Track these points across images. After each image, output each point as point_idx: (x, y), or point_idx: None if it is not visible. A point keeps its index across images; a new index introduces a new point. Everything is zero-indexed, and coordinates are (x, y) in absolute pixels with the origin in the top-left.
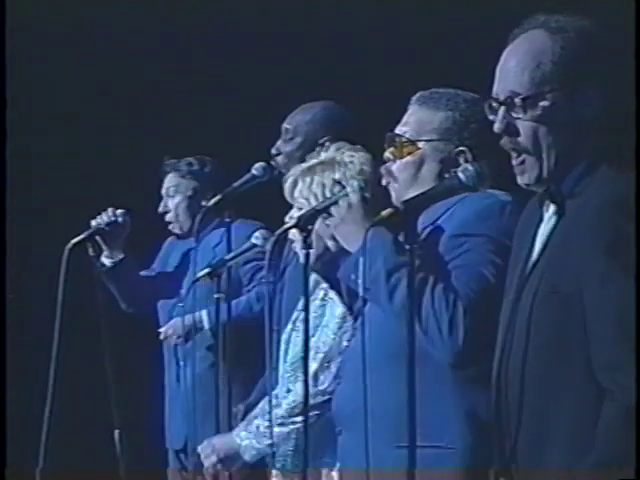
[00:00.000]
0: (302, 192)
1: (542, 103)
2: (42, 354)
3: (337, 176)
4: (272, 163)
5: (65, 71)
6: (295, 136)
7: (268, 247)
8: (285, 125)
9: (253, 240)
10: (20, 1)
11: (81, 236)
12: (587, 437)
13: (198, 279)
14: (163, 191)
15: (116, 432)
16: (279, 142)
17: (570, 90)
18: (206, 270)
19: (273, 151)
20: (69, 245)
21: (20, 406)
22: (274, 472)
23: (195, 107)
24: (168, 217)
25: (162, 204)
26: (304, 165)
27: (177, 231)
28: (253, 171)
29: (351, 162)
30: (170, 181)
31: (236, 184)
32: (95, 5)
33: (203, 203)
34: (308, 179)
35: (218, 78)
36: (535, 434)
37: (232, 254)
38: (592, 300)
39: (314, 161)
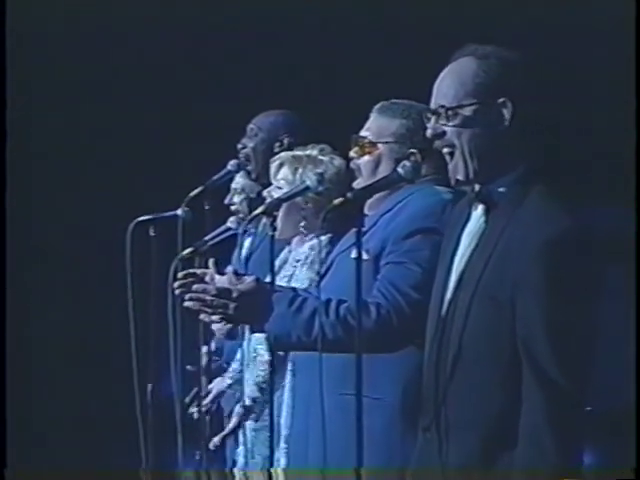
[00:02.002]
0: (286, 176)
1: (462, 114)
2: (42, 353)
3: (318, 170)
4: (239, 156)
5: (65, 71)
6: (259, 133)
7: (240, 230)
8: (250, 125)
9: (228, 224)
10: (20, 1)
11: (144, 217)
12: (504, 427)
13: (182, 257)
14: (232, 185)
15: (149, 386)
16: (244, 139)
17: (486, 104)
18: (190, 249)
19: (239, 146)
20: (132, 223)
21: (20, 406)
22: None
23: (193, 108)
24: (233, 208)
25: (229, 197)
26: (291, 153)
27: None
28: (228, 167)
29: (331, 162)
30: (239, 180)
31: (215, 177)
32: (95, 5)
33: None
34: (293, 166)
35: (205, 87)
36: (457, 418)
37: (211, 235)
38: (523, 306)
39: (300, 153)
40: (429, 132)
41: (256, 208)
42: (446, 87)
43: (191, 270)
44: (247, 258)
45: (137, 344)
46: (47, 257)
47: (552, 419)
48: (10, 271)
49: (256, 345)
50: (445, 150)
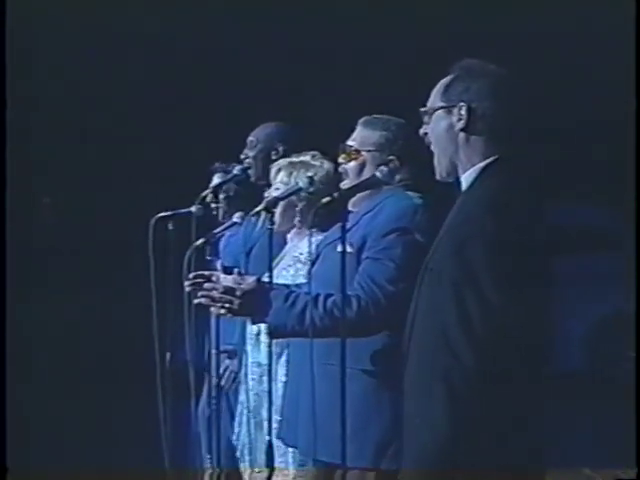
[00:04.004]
0: (282, 178)
1: (433, 116)
2: (42, 354)
3: (309, 174)
4: (243, 164)
5: (66, 71)
6: (258, 144)
7: (244, 224)
8: (250, 138)
9: (234, 219)
10: (20, 1)
11: (163, 213)
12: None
13: (196, 246)
14: (212, 184)
15: (167, 354)
16: (246, 150)
17: (449, 108)
18: (202, 240)
19: (242, 156)
20: (154, 219)
21: (20, 406)
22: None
23: (191, 110)
24: (213, 204)
25: (211, 195)
26: (288, 160)
27: (220, 217)
28: (234, 171)
29: (320, 166)
30: (217, 180)
31: (222, 180)
32: (95, 5)
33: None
34: (288, 170)
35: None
36: (408, 379)
37: (219, 228)
38: (443, 283)
39: (295, 159)
40: (420, 131)
41: (236, 203)
42: (432, 95)
43: (199, 272)
44: (249, 250)
45: (159, 319)
46: (46, 256)
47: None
48: (10, 269)
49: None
50: (431, 147)
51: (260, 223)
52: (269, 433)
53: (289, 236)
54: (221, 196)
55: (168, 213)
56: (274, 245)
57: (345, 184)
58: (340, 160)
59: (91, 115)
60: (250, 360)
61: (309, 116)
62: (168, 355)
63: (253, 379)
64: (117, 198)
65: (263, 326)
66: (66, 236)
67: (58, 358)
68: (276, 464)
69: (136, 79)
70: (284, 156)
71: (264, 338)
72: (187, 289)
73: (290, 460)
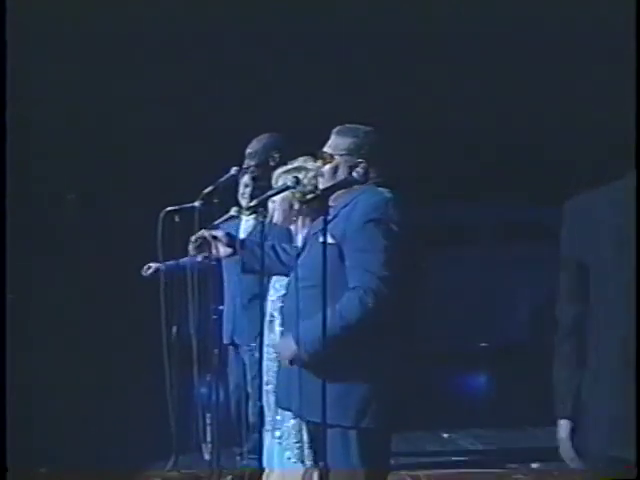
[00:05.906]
0: (277, 181)
1: None
2: (42, 354)
3: (295, 175)
4: (249, 171)
5: (65, 71)
6: (256, 155)
7: (240, 217)
8: (249, 150)
9: (231, 212)
10: (20, 1)
11: (171, 208)
12: None
13: (199, 237)
14: (243, 181)
15: (174, 327)
16: (247, 160)
17: None
18: (203, 230)
19: (244, 165)
20: (163, 212)
21: (20, 406)
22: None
23: (192, 111)
24: (213, 200)
25: (212, 192)
26: (285, 167)
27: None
28: (232, 171)
29: (310, 169)
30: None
31: (222, 179)
32: (95, 5)
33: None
34: (282, 174)
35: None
36: None
37: (219, 220)
38: None
39: (290, 166)
40: None
41: (233, 199)
42: None
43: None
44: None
45: (166, 298)
46: (47, 257)
47: None
48: (10, 271)
49: (272, 311)
50: None
51: (262, 218)
52: (259, 399)
53: (293, 231)
54: (221, 193)
55: (175, 207)
56: (284, 238)
57: (321, 183)
58: (317, 164)
59: (102, 126)
60: (266, 342)
61: (304, 125)
62: (174, 328)
63: (269, 359)
64: (131, 195)
65: (277, 313)
66: (86, 227)
67: (58, 358)
68: (283, 430)
69: (139, 86)
70: (280, 162)
71: (278, 323)
72: (192, 252)
73: (299, 427)
